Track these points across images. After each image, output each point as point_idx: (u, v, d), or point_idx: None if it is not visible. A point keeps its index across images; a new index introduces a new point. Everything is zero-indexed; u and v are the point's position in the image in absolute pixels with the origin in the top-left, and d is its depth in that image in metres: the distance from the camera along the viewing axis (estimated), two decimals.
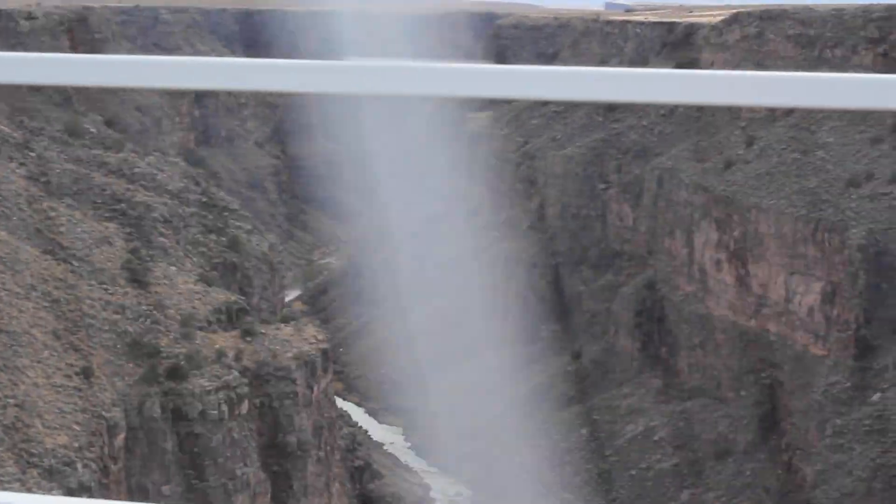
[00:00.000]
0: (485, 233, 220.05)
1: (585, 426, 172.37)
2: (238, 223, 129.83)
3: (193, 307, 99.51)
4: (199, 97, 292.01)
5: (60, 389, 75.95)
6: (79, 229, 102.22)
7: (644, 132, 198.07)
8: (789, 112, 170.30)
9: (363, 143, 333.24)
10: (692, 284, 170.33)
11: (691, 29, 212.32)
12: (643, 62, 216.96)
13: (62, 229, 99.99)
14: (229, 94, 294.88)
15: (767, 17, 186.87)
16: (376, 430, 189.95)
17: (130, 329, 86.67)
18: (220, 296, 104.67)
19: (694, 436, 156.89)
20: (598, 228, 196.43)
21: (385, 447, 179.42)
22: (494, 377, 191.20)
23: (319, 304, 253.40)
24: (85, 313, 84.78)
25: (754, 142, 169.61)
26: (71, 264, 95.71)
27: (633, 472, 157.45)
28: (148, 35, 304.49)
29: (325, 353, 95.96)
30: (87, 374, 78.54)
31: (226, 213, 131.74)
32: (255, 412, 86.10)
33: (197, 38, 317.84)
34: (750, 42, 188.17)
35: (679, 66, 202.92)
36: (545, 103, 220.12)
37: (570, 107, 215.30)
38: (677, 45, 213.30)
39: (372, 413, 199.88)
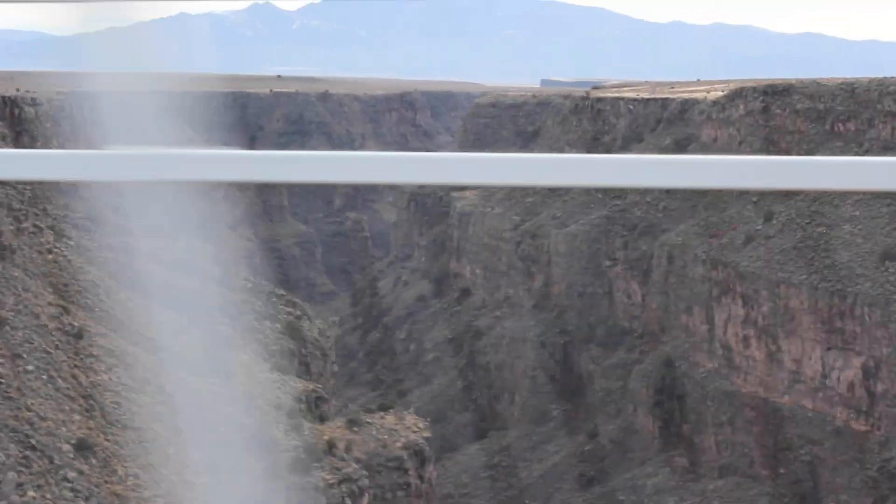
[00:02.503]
0: (483, 312, 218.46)
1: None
2: (287, 308, 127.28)
3: (278, 397, 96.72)
4: None
5: (193, 488, 72.95)
6: (157, 319, 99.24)
7: (648, 208, 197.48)
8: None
9: (339, 224, 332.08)
10: (714, 361, 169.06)
11: (686, 105, 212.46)
12: (637, 139, 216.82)
13: (141, 319, 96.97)
14: None
15: (772, 91, 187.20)
16: None
17: (247, 422, 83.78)
18: (298, 384, 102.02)
19: None
20: (606, 306, 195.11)
21: None
22: (506, 458, 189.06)
23: None
24: (200, 406, 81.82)
25: (773, 217, 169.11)
26: (158, 356, 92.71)
27: None
28: None
29: (429, 441, 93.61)
30: (213, 470, 75.61)
31: (274, 299, 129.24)
32: None
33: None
34: (755, 117, 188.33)
35: (676, 142, 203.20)
36: None
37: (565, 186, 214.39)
38: (673, 121, 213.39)
39: None
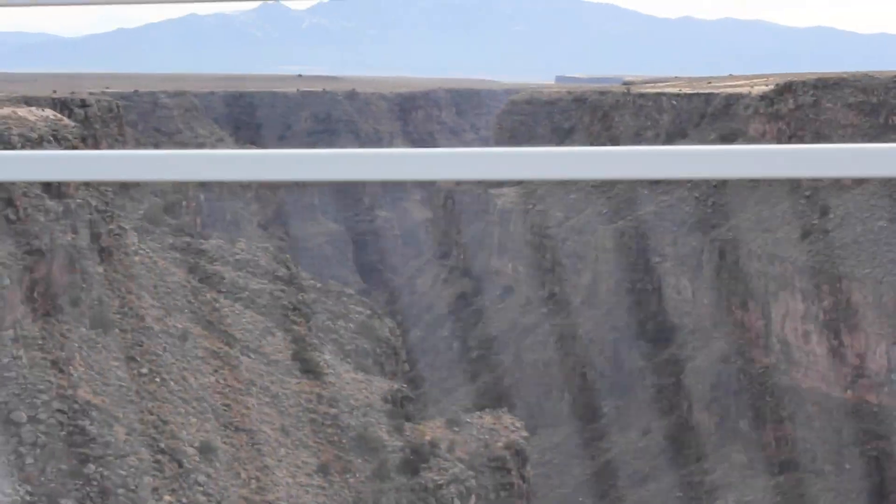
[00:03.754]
0: (528, 309, 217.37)
1: (669, 503, 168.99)
2: (358, 308, 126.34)
3: (366, 397, 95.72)
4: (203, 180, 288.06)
5: (309, 490, 72.06)
6: (244, 320, 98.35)
7: (697, 204, 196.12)
8: (860, 181, 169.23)
9: (369, 223, 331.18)
10: (770, 357, 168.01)
11: (731, 99, 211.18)
12: (681, 134, 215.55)
13: (229, 321, 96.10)
14: None
15: (823, 85, 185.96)
16: None
17: (353, 423, 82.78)
18: (383, 384, 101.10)
19: None
20: (655, 303, 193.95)
21: None
22: (558, 455, 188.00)
23: None
24: (305, 407, 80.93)
25: (829, 211, 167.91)
26: (249, 357, 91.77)
27: None
28: (148, 120, 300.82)
29: (527, 440, 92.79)
30: (324, 471, 74.69)
31: (344, 299, 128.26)
32: None
33: (196, 121, 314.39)
34: (805, 111, 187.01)
35: (722, 137, 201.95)
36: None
37: (609, 181, 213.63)
38: (717, 116, 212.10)
39: None
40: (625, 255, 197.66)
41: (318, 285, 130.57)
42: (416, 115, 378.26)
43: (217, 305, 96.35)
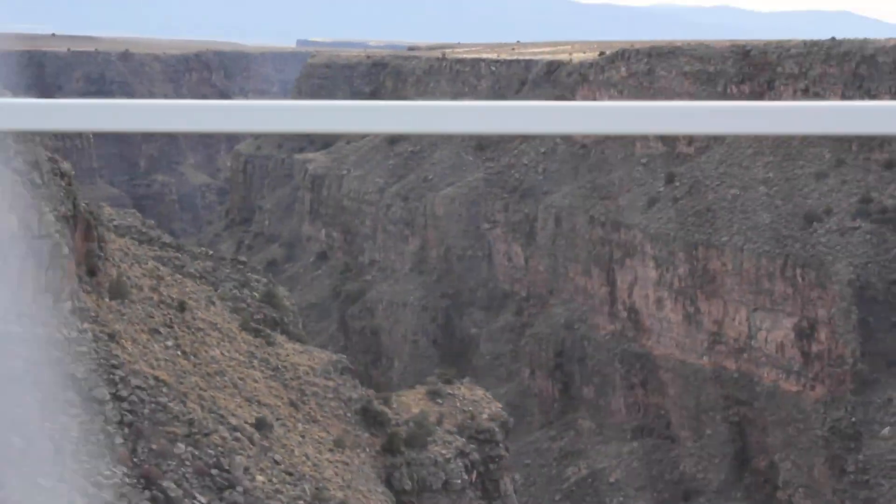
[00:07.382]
0: (348, 277, 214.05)
1: (515, 471, 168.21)
2: (255, 276, 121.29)
3: (313, 367, 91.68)
4: None
5: (338, 466, 68.08)
6: (186, 289, 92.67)
7: (527, 171, 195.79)
8: (702, 150, 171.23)
9: (146, 187, 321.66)
10: (616, 323, 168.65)
11: (553, 66, 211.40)
12: (501, 100, 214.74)
13: (176, 289, 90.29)
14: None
15: (657, 53, 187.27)
16: None
17: (354, 396, 78.65)
18: (322, 355, 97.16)
19: (654, 476, 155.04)
20: (485, 269, 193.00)
21: None
22: None
23: None
24: (304, 381, 76.55)
25: (675, 178, 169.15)
26: (214, 327, 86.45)
27: None
28: None
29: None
30: (340, 446, 70.77)
31: (240, 266, 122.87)
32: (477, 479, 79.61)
33: None
34: (639, 79, 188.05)
35: None
36: (393, 144, 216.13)
37: (430, 147, 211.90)
38: (538, 82, 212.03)
39: None
40: (455, 221, 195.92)
41: (210, 252, 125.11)
42: (190, 77, 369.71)
43: (159, 273, 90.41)
